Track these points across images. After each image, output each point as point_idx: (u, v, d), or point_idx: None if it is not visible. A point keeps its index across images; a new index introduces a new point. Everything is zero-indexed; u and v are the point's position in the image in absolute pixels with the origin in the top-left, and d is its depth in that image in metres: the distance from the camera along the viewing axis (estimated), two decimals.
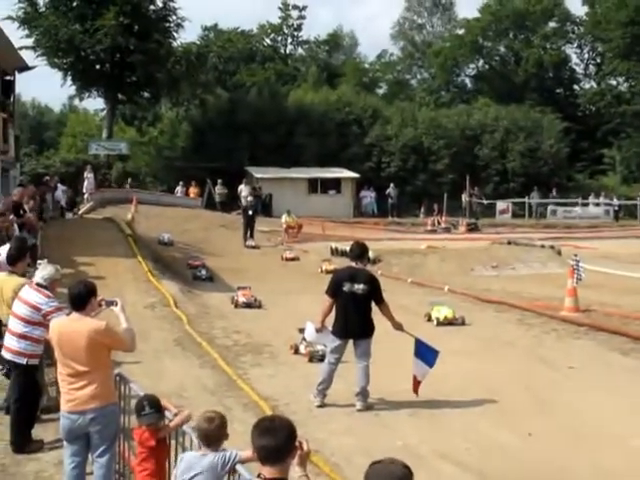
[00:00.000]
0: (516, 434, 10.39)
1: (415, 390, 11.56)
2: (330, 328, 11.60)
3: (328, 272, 25.93)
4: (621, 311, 18.88)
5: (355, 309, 11.38)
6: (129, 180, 48.12)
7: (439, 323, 17.73)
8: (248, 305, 19.85)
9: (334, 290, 11.51)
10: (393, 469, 3.68)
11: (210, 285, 23.86)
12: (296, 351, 14.65)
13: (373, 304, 11.52)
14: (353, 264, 11.78)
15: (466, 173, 49.61)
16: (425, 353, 11.56)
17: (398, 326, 11.74)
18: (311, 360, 13.81)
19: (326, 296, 11.59)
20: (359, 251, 11.99)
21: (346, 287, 11.39)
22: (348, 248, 29.00)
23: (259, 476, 4.39)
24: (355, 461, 9.02)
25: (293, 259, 29.75)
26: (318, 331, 11.92)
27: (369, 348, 11.48)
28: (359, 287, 11.40)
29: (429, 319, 18.06)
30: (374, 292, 11.50)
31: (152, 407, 6.81)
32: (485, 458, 9.50)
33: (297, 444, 4.53)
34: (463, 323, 17.90)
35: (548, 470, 9.16)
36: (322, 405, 11.28)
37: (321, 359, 13.07)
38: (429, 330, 17.01)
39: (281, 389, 11.89)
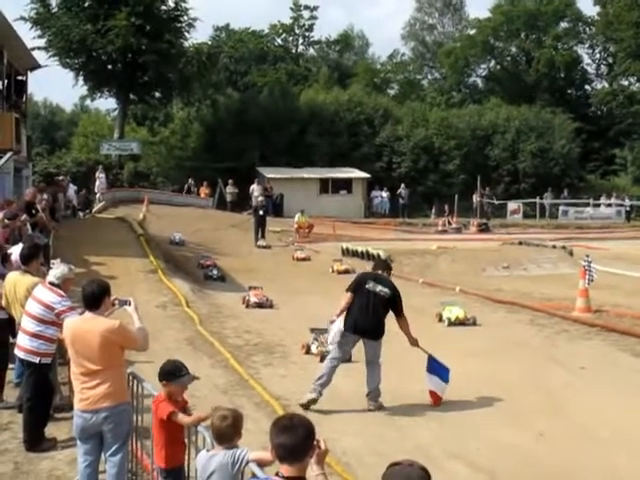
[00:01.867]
0: (528, 434, 10.38)
1: (436, 402, 11.60)
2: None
3: (339, 272, 26.02)
4: (633, 312, 18.82)
5: (372, 308, 11.41)
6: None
7: (450, 323, 17.73)
8: (259, 305, 19.89)
9: (355, 287, 11.61)
10: (410, 471, 3.67)
11: (221, 285, 23.90)
12: (307, 351, 14.65)
13: (390, 316, 11.62)
14: (379, 272, 11.99)
15: (477, 173, 49.50)
16: (438, 369, 11.63)
17: (414, 342, 11.81)
18: (322, 360, 13.73)
19: (347, 292, 11.64)
20: (384, 265, 12.62)
21: (369, 285, 11.51)
22: (359, 249, 29.35)
23: (277, 474, 4.40)
24: (366, 461, 9.04)
25: (304, 259, 29.78)
26: (331, 323, 11.98)
27: (379, 349, 11.52)
28: (382, 289, 11.52)
29: (440, 319, 18.07)
30: (394, 301, 11.59)
31: (185, 368, 7.01)
32: (497, 458, 9.49)
33: (315, 443, 4.54)
34: (474, 323, 17.88)
35: (560, 470, 9.15)
36: (313, 402, 11.04)
37: None
38: (440, 330, 17.10)
39: (293, 389, 11.89)
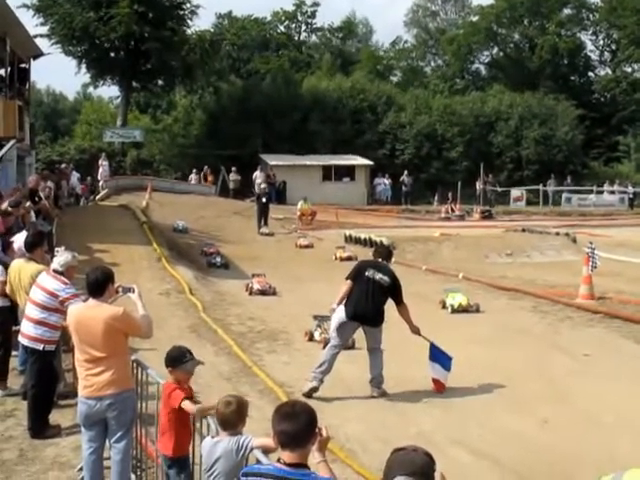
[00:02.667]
0: (531, 421, 10.39)
1: (439, 390, 11.64)
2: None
3: (342, 259, 26.02)
4: (636, 299, 18.83)
5: (372, 296, 11.43)
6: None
7: (453, 310, 17.73)
8: (263, 292, 19.86)
9: (355, 275, 11.63)
10: (414, 457, 3.68)
11: (224, 272, 23.91)
12: (311, 338, 14.67)
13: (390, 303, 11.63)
14: (379, 259, 11.99)
15: (480, 161, 49.52)
16: (440, 357, 11.66)
17: (415, 330, 11.81)
18: (325, 346, 13.79)
19: (347, 280, 11.64)
20: (386, 252, 12.59)
21: (369, 273, 11.53)
22: (362, 236, 29.36)
23: (279, 461, 4.41)
24: (370, 447, 9.06)
25: (307, 246, 29.77)
26: (332, 312, 11.85)
27: (379, 336, 11.56)
28: (382, 277, 11.54)
29: (444, 306, 18.08)
30: (394, 289, 11.61)
31: (190, 353, 7.02)
32: (500, 445, 9.51)
33: (317, 430, 4.55)
34: (477, 310, 17.88)
35: (563, 457, 9.16)
36: (314, 390, 11.08)
37: None
38: (443, 317, 17.13)
39: (296, 375, 11.91)
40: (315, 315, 14.90)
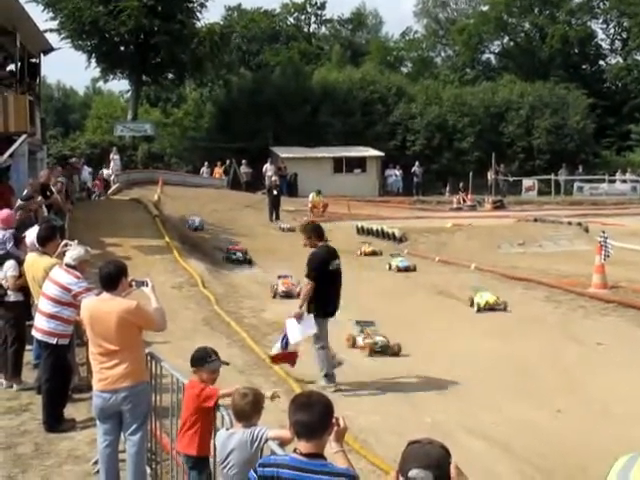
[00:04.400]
0: (545, 410, 10.39)
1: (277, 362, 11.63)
2: (307, 314, 11.31)
3: (366, 254, 25.77)
4: None
5: (338, 286, 11.42)
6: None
7: (480, 309, 17.03)
8: (288, 295, 18.17)
9: (322, 271, 11.22)
10: (430, 449, 3.67)
11: (239, 264, 23.83)
12: (353, 344, 13.72)
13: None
14: (322, 242, 11.55)
15: (491, 151, 49.37)
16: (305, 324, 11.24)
17: (298, 314, 11.35)
18: (372, 354, 13.13)
19: (309, 279, 11.21)
20: (323, 230, 11.86)
21: (332, 265, 11.33)
22: (374, 227, 29.26)
23: (295, 451, 4.41)
24: (384, 439, 9.07)
25: None
26: (299, 319, 11.23)
27: None
28: (339, 262, 11.46)
29: (472, 304, 17.40)
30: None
31: (215, 354, 6.97)
32: (513, 434, 9.51)
33: (334, 420, 4.55)
34: (505, 309, 17.15)
35: (576, 446, 9.15)
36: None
37: (382, 351, 13.03)
38: (467, 314, 16.89)
39: (309, 367, 11.90)
40: (357, 321, 14.11)
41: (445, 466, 3.63)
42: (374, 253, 25.98)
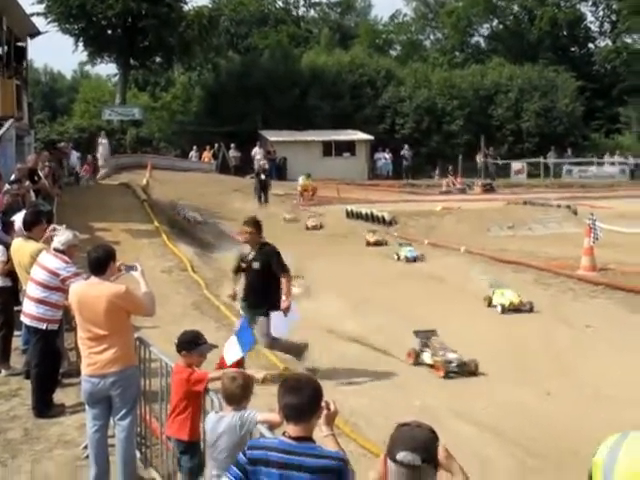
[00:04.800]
0: (534, 393, 10.43)
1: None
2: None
3: (370, 244, 25.26)
4: (638, 269, 18.81)
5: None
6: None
7: (504, 310, 15.53)
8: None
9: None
10: (418, 433, 3.68)
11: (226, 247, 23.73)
12: (417, 360, 12.13)
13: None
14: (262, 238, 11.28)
15: (480, 134, 49.38)
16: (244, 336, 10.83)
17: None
18: (446, 375, 11.45)
19: (287, 273, 11.10)
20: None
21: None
22: (364, 211, 29.17)
23: (284, 434, 4.41)
24: (374, 421, 9.07)
25: (315, 227, 28.84)
26: (287, 311, 10.94)
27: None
28: None
29: (489, 304, 16.00)
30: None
31: (204, 338, 6.97)
32: (503, 417, 9.54)
33: (323, 404, 4.54)
34: (531, 310, 15.60)
35: (568, 429, 9.18)
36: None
37: (458, 371, 11.46)
38: (490, 316, 15.61)
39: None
40: (416, 331, 12.49)
41: (433, 449, 3.65)
42: (379, 243, 25.25)
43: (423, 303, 16.11)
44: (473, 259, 21.46)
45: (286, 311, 10.94)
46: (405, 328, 13.00)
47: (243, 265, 11.10)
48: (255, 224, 11.14)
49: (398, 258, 22.50)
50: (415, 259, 22.15)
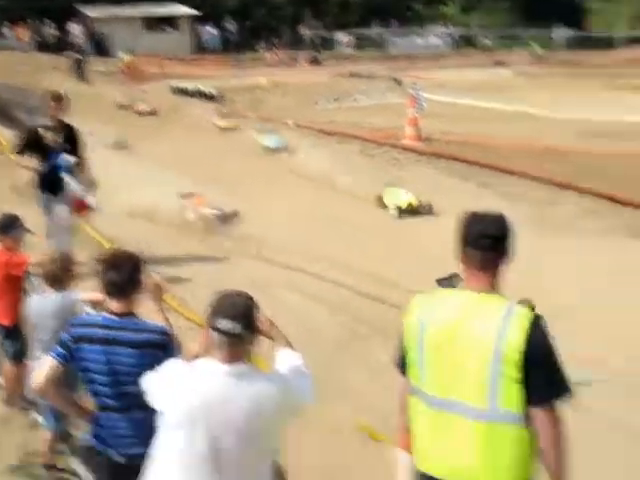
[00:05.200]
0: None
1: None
2: None
3: (222, 129, 22.76)
4: (461, 138, 19.28)
5: None
6: None
7: (402, 212, 14.13)
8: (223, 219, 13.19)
9: None
10: (236, 300, 3.71)
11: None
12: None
13: None
14: None
15: (305, 5, 48.90)
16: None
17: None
18: None
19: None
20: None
21: None
22: (189, 87, 28.47)
23: (107, 311, 4.36)
24: (199, 294, 9.02)
25: (150, 113, 26.06)
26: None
27: None
28: None
29: (383, 206, 14.52)
30: None
31: (20, 220, 6.84)
32: (331, 289, 9.72)
33: (145, 278, 4.50)
34: (431, 212, 14.18)
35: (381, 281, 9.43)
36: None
37: None
38: (386, 221, 14.30)
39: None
40: None
41: (251, 316, 3.69)
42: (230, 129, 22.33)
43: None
44: (302, 133, 21.41)
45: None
46: None
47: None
48: (56, 98, 10.22)
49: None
50: (278, 149, 19.27)
